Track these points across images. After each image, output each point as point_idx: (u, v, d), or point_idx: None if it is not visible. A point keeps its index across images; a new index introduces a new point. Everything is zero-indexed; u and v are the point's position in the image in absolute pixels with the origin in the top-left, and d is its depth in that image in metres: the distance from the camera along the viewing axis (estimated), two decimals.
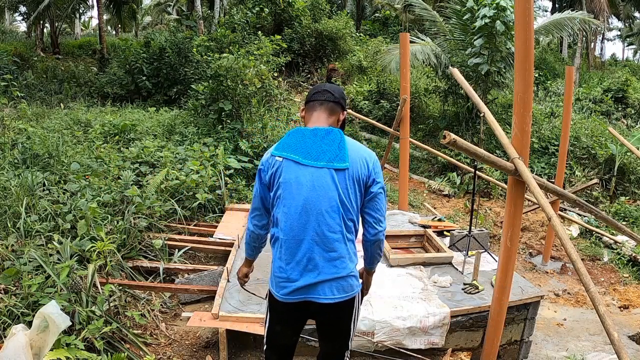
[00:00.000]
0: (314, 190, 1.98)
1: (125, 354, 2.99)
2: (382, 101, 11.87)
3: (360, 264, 2.26)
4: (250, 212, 2.23)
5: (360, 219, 2.14)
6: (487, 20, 8.62)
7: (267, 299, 2.21)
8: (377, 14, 21.15)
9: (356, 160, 2.03)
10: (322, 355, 2.34)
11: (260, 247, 2.35)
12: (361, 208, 2.10)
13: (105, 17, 20.69)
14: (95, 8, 19.77)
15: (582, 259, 6.34)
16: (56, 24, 17.75)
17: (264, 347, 2.28)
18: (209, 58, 8.60)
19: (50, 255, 3.57)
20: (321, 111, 2.12)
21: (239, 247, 4.42)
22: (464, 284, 3.65)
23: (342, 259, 2.02)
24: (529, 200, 6.41)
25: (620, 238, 7.37)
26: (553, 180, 7.74)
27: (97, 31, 20.29)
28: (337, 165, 1.99)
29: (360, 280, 2.23)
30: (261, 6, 14.21)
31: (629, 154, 9.79)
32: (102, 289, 3.36)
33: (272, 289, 2.12)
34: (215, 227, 5.30)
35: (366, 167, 2.04)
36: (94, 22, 34.31)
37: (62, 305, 2.84)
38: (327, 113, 2.12)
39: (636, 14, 26.79)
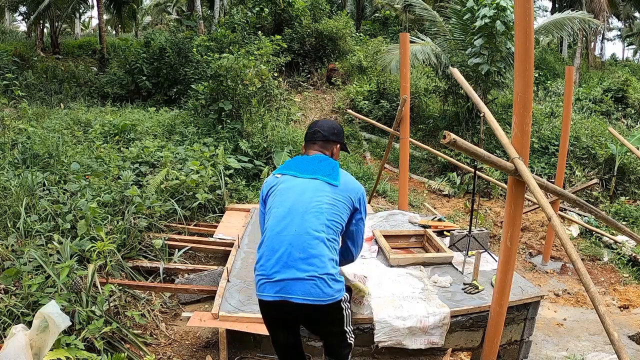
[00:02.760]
0: (303, 194, 2.17)
1: (125, 354, 2.99)
2: (382, 101, 11.87)
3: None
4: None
5: (342, 233, 2.27)
6: (487, 20, 8.62)
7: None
8: (377, 14, 21.12)
9: (347, 186, 2.26)
10: (324, 346, 2.43)
11: None
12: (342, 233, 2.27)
13: (105, 17, 20.68)
14: (95, 8, 19.79)
15: (582, 259, 6.34)
16: (56, 24, 17.74)
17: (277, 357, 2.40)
18: (209, 58, 8.60)
19: (50, 255, 3.57)
20: (316, 149, 2.41)
21: (238, 247, 4.42)
22: (464, 284, 3.65)
23: (321, 258, 2.07)
24: (529, 200, 6.41)
25: (620, 238, 7.37)
26: (553, 180, 7.74)
27: (97, 31, 20.29)
28: (329, 181, 2.22)
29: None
30: (261, 6, 14.20)
31: (629, 154, 9.79)
32: (102, 289, 3.36)
33: (258, 290, 2.17)
34: (215, 227, 5.30)
35: (355, 196, 2.27)
36: (94, 22, 34.34)
37: (62, 305, 2.84)
38: (322, 149, 2.41)
39: (636, 14, 26.78)
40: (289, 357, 2.35)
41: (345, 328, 2.29)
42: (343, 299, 2.18)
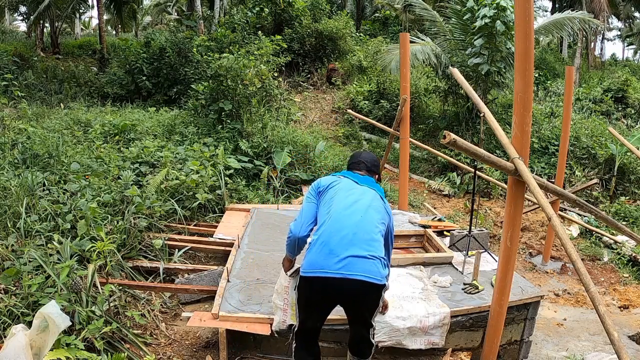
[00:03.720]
0: (364, 195, 2.51)
1: (125, 354, 2.99)
2: (382, 101, 11.87)
3: None
4: (305, 223, 2.56)
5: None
6: (487, 20, 8.62)
7: (298, 283, 2.49)
8: (377, 14, 21.11)
9: (383, 203, 2.60)
10: (350, 334, 2.62)
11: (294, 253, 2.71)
12: None
13: (105, 17, 20.67)
14: (95, 8, 19.80)
15: (582, 259, 6.34)
16: (56, 24, 17.73)
17: (295, 330, 2.55)
18: (209, 58, 8.59)
19: (50, 255, 3.57)
20: (366, 172, 2.74)
21: (238, 247, 4.42)
22: (464, 284, 3.65)
23: (379, 244, 2.39)
24: (529, 200, 6.41)
25: (620, 238, 7.37)
26: (553, 180, 7.74)
27: (97, 31, 20.29)
28: (381, 195, 2.60)
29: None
30: (261, 6, 14.20)
31: (629, 154, 9.79)
32: (102, 289, 3.36)
33: (312, 267, 2.34)
34: (215, 227, 5.29)
35: (388, 211, 2.59)
36: (94, 22, 34.33)
37: (62, 305, 2.84)
38: (363, 173, 2.73)
39: (636, 14, 26.77)
40: (311, 342, 2.54)
41: (374, 321, 2.52)
42: (386, 286, 2.44)
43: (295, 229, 2.56)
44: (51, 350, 2.53)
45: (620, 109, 13.92)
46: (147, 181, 5.54)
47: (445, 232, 4.92)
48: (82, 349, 2.74)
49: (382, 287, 2.38)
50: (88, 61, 16.79)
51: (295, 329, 2.55)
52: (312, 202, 2.59)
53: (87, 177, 5.22)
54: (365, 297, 2.37)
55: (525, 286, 3.69)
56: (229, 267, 3.90)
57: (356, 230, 2.33)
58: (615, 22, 29.69)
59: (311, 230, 2.55)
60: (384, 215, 2.51)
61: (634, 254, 7.06)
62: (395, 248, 4.41)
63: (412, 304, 3.28)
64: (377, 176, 2.78)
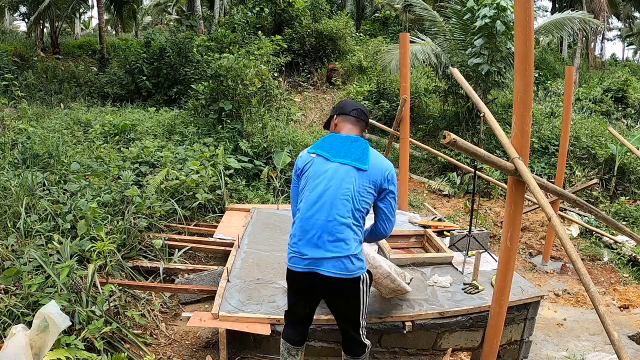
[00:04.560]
0: (333, 180, 2.38)
1: (125, 354, 2.99)
2: (382, 101, 11.87)
3: None
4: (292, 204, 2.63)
5: (367, 215, 2.49)
6: (487, 20, 8.62)
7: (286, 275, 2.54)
8: (377, 14, 21.11)
9: (375, 167, 2.44)
10: (341, 335, 2.61)
11: None
12: (374, 204, 2.51)
13: (105, 17, 20.68)
14: (95, 8, 19.80)
15: (582, 259, 6.34)
16: (56, 24, 17.73)
17: (285, 311, 2.63)
18: (209, 58, 8.59)
19: (50, 255, 3.57)
20: (353, 125, 2.61)
21: (238, 247, 4.42)
22: (464, 284, 3.65)
23: (347, 242, 2.34)
24: (529, 200, 6.41)
25: (620, 238, 7.37)
26: (553, 180, 7.74)
27: (97, 31, 20.29)
28: (358, 165, 2.40)
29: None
30: (261, 6, 14.20)
31: (629, 154, 9.79)
32: (102, 289, 3.36)
33: (289, 261, 2.45)
34: (215, 227, 5.29)
35: (382, 176, 2.45)
36: (94, 22, 34.31)
37: (62, 305, 2.84)
38: (359, 129, 2.63)
39: (636, 14, 26.78)
40: (298, 325, 2.58)
41: (361, 320, 2.50)
42: (362, 277, 2.42)
43: (294, 216, 2.59)
44: (51, 350, 2.52)
45: (620, 109, 13.92)
46: (147, 181, 5.54)
47: (445, 232, 4.92)
48: (82, 349, 2.74)
49: (355, 279, 2.39)
50: (88, 61, 16.80)
51: (286, 309, 2.65)
52: (296, 187, 2.63)
53: (87, 177, 5.22)
54: (341, 290, 2.40)
55: (525, 286, 3.69)
56: (229, 267, 3.90)
57: (320, 233, 2.34)
58: (615, 22, 29.72)
59: None
60: (359, 194, 2.38)
61: (634, 254, 7.06)
62: (395, 248, 4.42)
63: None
64: (366, 131, 2.68)
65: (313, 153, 2.51)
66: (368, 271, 2.51)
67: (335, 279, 2.33)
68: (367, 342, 2.58)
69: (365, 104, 12.02)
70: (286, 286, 2.61)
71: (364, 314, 2.52)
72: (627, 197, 9.65)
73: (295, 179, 2.63)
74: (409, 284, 3.20)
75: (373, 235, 2.66)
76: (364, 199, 2.40)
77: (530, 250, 7.42)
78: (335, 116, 2.68)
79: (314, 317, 2.70)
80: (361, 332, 2.54)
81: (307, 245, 2.35)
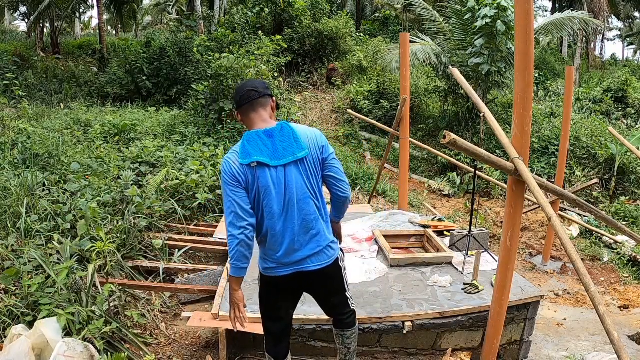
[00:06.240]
0: (288, 188, 2.22)
1: (125, 354, 2.99)
2: (382, 101, 11.87)
3: None
4: (235, 221, 2.18)
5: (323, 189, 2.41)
6: (488, 20, 8.62)
7: (259, 280, 2.46)
8: (377, 14, 21.12)
9: (311, 145, 2.27)
10: (331, 315, 2.60)
11: (250, 256, 2.27)
12: (323, 176, 2.36)
13: (105, 17, 20.68)
14: (95, 8, 19.79)
15: (582, 259, 6.34)
16: (56, 24, 17.72)
17: (264, 332, 2.52)
18: (210, 58, 8.61)
19: (50, 255, 3.57)
20: (257, 111, 2.26)
21: None
22: (464, 284, 3.65)
23: (321, 234, 2.34)
24: (529, 200, 6.41)
25: (620, 238, 7.37)
26: (553, 180, 7.73)
27: (97, 31, 20.29)
28: (300, 156, 2.22)
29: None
30: (261, 6, 14.20)
31: (629, 154, 9.79)
32: (102, 289, 3.36)
33: (266, 270, 2.36)
34: (215, 227, 5.29)
35: (318, 146, 2.30)
36: (94, 22, 34.34)
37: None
38: (262, 108, 2.27)
39: (636, 14, 26.76)
40: (283, 337, 2.50)
41: (347, 286, 2.53)
42: (339, 256, 2.46)
43: (235, 231, 2.21)
44: None
45: (620, 109, 13.92)
46: (147, 181, 5.54)
47: (445, 232, 4.92)
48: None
49: (336, 260, 2.42)
50: (88, 61, 16.81)
51: (264, 332, 2.56)
52: (232, 190, 2.20)
53: (87, 177, 5.22)
54: (327, 276, 2.40)
55: (525, 286, 3.69)
56: (229, 267, 3.89)
57: (296, 238, 2.27)
58: (615, 22, 29.71)
59: (252, 222, 2.22)
60: (313, 184, 2.27)
61: (634, 254, 7.06)
62: (395, 248, 4.42)
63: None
64: (272, 100, 2.33)
65: (252, 163, 2.15)
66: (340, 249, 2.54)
67: (320, 270, 2.35)
68: (354, 307, 2.60)
69: (365, 103, 12.04)
70: None
71: (348, 283, 2.56)
72: (627, 197, 9.65)
73: (231, 188, 2.17)
74: None
75: (338, 207, 2.50)
76: (318, 182, 2.31)
77: (530, 250, 7.43)
78: (236, 112, 2.35)
79: (315, 317, 2.69)
80: (348, 297, 2.56)
81: (288, 255, 2.29)
